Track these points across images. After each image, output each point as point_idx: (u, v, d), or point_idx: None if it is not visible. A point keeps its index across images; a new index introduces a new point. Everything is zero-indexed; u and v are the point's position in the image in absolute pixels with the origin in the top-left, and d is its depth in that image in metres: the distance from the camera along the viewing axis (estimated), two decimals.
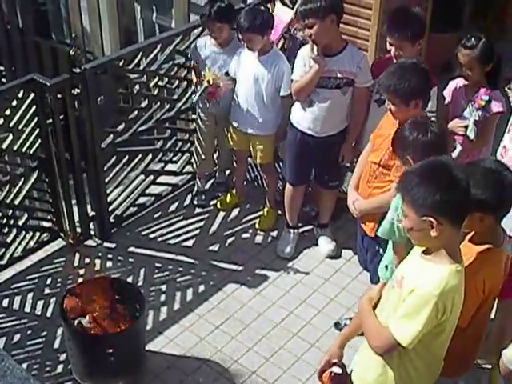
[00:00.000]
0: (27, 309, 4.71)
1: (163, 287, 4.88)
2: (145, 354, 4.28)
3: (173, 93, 5.42)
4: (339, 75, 4.49)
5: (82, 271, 4.94)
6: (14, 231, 4.96)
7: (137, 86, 5.15)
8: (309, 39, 4.43)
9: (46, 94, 4.60)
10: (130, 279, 4.88)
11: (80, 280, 4.66)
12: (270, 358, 4.38)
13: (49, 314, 4.67)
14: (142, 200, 5.56)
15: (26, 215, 4.99)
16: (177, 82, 5.41)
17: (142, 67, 5.09)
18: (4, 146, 4.62)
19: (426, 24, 4.88)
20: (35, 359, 4.36)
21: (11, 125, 4.60)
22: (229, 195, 5.61)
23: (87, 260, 5.09)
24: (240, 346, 4.46)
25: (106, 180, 5.19)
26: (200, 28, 5.28)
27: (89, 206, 5.21)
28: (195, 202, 5.65)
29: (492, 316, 3.37)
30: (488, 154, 4.44)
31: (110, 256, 5.13)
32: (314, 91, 4.55)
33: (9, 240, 4.95)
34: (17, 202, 4.83)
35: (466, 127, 4.27)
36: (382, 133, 3.95)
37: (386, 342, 2.77)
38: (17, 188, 4.81)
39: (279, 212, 5.40)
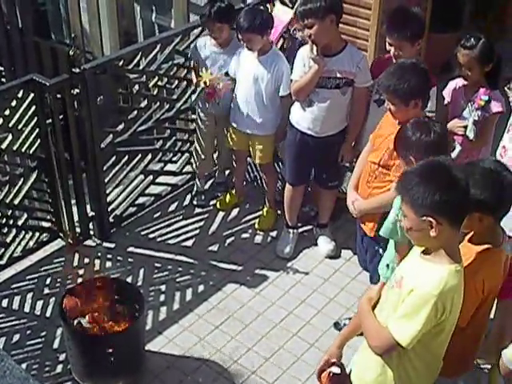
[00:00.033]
0: (27, 309, 4.71)
1: (163, 287, 4.88)
2: (144, 354, 4.28)
3: (172, 93, 5.42)
4: (339, 75, 4.49)
5: (81, 271, 4.93)
6: (14, 231, 4.96)
7: (136, 86, 5.16)
8: (308, 39, 4.43)
9: (46, 94, 4.60)
10: (129, 279, 4.88)
11: (79, 280, 4.65)
12: (269, 358, 4.38)
13: (48, 314, 4.67)
14: (141, 200, 5.56)
15: (25, 215, 4.99)
16: (176, 81, 5.41)
17: (141, 67, 5.09)
18: (3, 146, 4.62)
19: (425, 24, 4.88)
20: (35, 359, 4.36)
21: (11, 125, 4.60)
22: (228, 195, 5.61)
23: (87, 260, 5.09)
24: (239, 346, 4.46)
25: (106, 180, 5.19)
26: (199, 28, 5.28)
27: (88, 206, 5.21)
28: (195, 202, 5.65)
29: (491, 316, 3.37)
30: (487, 154, 4.44)
31: (109, 256, 5.13)
32: (313, 91, 4.55)
33: (8, 240, 4.95)
34: (16, 201, 4.83)
35: (466, 127, 4.27)
36: (381, 133, 3.95)
37: (385, 342, 2.77)
38: (16, 188, 4.81)
39: (279, 212, 5.40)
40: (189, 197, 5.71)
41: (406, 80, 3.68)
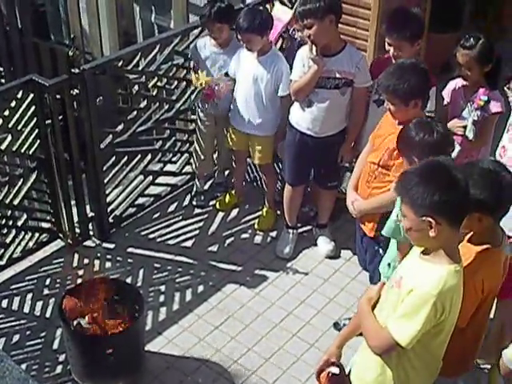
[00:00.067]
0: (26, 309, 4.71)
1: (162, 288, 4.88)
2: (144, 355, 4.28)
3: (172, 93, 5.41)
4: (338, 75, 4.49)
5: (81, 272, 4.93)
6: (13, 232, 4.96)
7: (136, 87, 5.15)
8: (308, 39, 4.43)
9: (45, 95, 4.60)
10: (129, 280, 4.88)
11: (79, 280, 4.65)
12: (269, 358, 4.38)
13: (48, 315, 4.67)
14: (141, 200, 5.56)
15: (25, 216, 4.99)
16: (176, 82, 5.41)
17: (140, 68, 5.08)
18: (3, 146, 4.61)
19: (424, 24, 4.88)
20: (34, 360, 4.36)
21: (10, 125, 4.60)
22: (228, 195, 5.61)
23: (86, 261, 5.09)
24: (239, 346, 4.46)
25: (105, 180, 5.18)
26: (199, 28, 5.28)
27: (88, 207, 5.21)
28: (194, 203, 5.65)
29: (491, 316, 3.37)
30: (487, 155, 4.44)
31: (109, 256, 5.13)
32: (312, 91, 4.55)
33: (8, 241, 4.95)
34: (16, 202, 4.83)
35: (465, 127, 4.27)
36: (381, 133, 3.95)
37: (384, 342, 2.77)
38: (16, 188, 4.80)
39: (278, 212, 5.40)
40: (188, 197, 5.71)
41: (405, 80, 3.68)
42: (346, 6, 4.84)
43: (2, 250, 4.95)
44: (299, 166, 4.90)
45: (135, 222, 5.47)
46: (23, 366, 4.26)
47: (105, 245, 5.22)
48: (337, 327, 4.52)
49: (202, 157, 5.51)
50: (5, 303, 4.75)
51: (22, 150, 4.72)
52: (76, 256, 5.12)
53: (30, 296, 4.81)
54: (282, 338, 4.51)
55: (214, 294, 4.83)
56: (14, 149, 4.67)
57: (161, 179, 5.66)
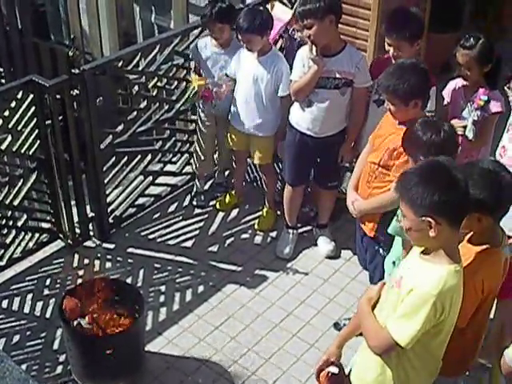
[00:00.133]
0: (26, 310, 4.71)
1: (162, 288, 4.88)
2: (144, 355, 4.28)
3: (172, 93, 5.42)
4: (338, 75, 4.49)
5: (81, 272, 4.93)
6: (13, 232, 4.96)
7: (136, 87, 5.16)
8: (308, 40, 4.44)
9: (45, 95, 4.60)
10: (129, 280, 4.88)
11: (79, 281, 4.65)
12: (269, 358, 4.38)
13: (48, 315, 4.67)
14: (141, 201, 5.56)
15: (25, 216, 4.99)
16: (176, 82, 5.41)
17: (140, 68, 5.09)
18: (3, 147, 4.61)
19: (424, 24, 4.88)
20: (34, 360, 4.36)
21: (10, 126, 4.60)
22: (228, 196, 5.61)
23: (86, 261, 5.09)
24: (239, 346, 4.46)
25: (105, 181, 5.19)
26: (199, 29, 5.29)
27: (88, 207, 5.21)
28: (194, 203, 5.65)
29: (491, 316, 3.37)
30: (487, 155, 4.44)
31: (109, 257, 5.13)
32: (312, 92, 4.55)
33: (8, 241, 4.95)
34: (16, 202, 4.83)
35: (465, 127, 4.27)
36: (381, 133, 3.95)
37: (384, 342, 2.77)
38: (16, 189, 4.80)
39: (278, 212, 5.40)
40: (188, 197, 5.71)
41: (405, 80, 3.68)
42: (345, 6, 4.85)
43: (2, 251, 4.95)
44: (299, 166, 4.90)
45: (135, 222, 5.47)
46: (23, 367, 4.25)
47: (105, 245, 5.23)
48: (337, 327, 4.52)
49: (203, 157, 5.52)
50: (5, 303, 4.75)
51: (22, 151, 4.72)
52: (76, 256, 5.12)
53: (30, 296, 4.81)
54: (282, 339, 4.51)
55: (214, 294, 4.83)
56: (14, 149, 4.67)
57: (161, 179, 5.66)
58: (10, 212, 4.91)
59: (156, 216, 5.53)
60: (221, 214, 5.55)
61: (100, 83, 4.92)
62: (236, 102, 5.07)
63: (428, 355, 2.86)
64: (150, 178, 5.56)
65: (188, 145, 5.73)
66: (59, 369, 4.32)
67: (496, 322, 3.56)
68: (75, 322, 4.01)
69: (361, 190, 4.06)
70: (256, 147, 5.15)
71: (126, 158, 5.29)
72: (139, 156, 5.39)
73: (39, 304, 4.75)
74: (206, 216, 5.54)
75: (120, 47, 8.02)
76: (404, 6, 4.63)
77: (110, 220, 5.32)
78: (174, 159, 5.76)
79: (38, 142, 4.75)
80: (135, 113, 5.24)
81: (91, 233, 5.28)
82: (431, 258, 2.73)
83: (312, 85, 4.51)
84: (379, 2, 5.16)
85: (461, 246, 2.87)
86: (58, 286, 4.88)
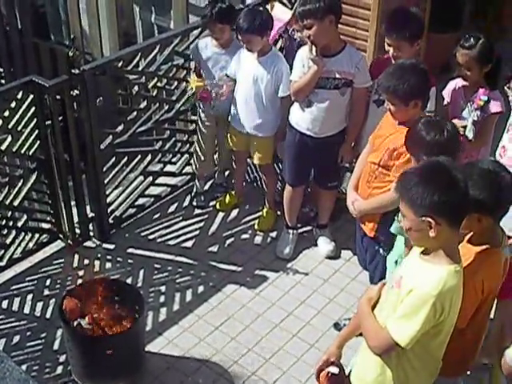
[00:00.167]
0: (26, 310, 4.71)
1: (162, 288, 4.88)
2: (144, 355, 4.28)
3: (172, 94, 5.42)
4: (338, 76, 4.49)
5: (81, 272, 4.93)
6: (14, 232, 4.96)
7: (136, 87, 5.16)
8: (307, 40, 4.44)
9: (45, 96, 4.60)
10: (129, 280, 4.88)
11: (79, 281, 4.65)
12: (269, 358, 4.38)
13: (48, 316, 4.67)
14: (141, 201, 5.56)
15: (25, 216, 4.99)
16: (176, 82, 5.41)
17: (140, 68, 5.09)
18: (3, 147, 4.61)
19: (424, 24, 4.88)
20: (35, 360, 4.36)
21: (10, 126, 4.60)
22: (228, 196, 5.61)
23: (86, 261, 5.09)
24: (239, 346, 4.46)
25: (105, 181, 5.19)
26: (199, 29, 5.29)
27: (88, 207, 5.21)
28: (194, 203, 5.65)
29: (491, 316, 3.37)
30: (487, 155, 4.44)
31: (109, 257, 5.13)
32: (312, 92, 4.55)
33: (8, 241, 4.95)
34: (16, 203, 4.83)
35: (465, 127, 4.27)
36: (381, 133, 3.95)
37: (383, 343, 2.77)
38: (16, 189, 4.81)
39: (278, 213, 5.40)
40: (188, 198, 5.71)
41: (405, 80, 3.68)
42: (345, 7, 4.85)
43: (3, 251, 4.95)
44: (299, 166, 4.90)
45: (135, 222, 5.47)
46: (24, 367, 4.25)
47: (105, 245, 5.23)
48: (337, 327, 4.52)
49: (203, 158, 5.52)
50: (5, 304, 4.75)
51: (22, 151, 4.72)
52: (76, 257, 5.12)
53: (30, 297, 4.81)
54: (282, 339, 4.51)
55: (214, 294, 4.83)
56: (14, 149, 4.67)
57: (161, 180, 5.66)
58: (10, 212, 4.91)
59: (156, 216, 5.53)
60: (221, 215, 5.55)
61: (100, 83, 4.92)
62: (236, 103, 5.07)
63: (428, 355, 2.86)
64: (150, 178, 5.56)
65: (188, 145, 5.74)
66: (59, 369, 4.32)
67: (496, 323, 3.56)
68: (75, 323, 4.01)
69: (361, 190, 4.06)
70: (256, 147, 5.15)
71: (126, 159, 5.30)
72: (139, 156, 5.39)
73: (39, 304, 4.75)
74: (206, 216, 5.54)
75: (120, 47, 8.03)
76: (404, 6, 4.63)
77: (110, 220, 5.32)
78: (173, 159, 5.76)
79: (38, 142, 4.75)
80: (135, 113, 5.24)
81: (91, 233, 5.28)
82: (431, 258, 2.73)
83: (312, 85, 4.51)
84: (379, 2, 5.16)
85: (461, 247, 2.87)
86: (58, 286, 4.88)
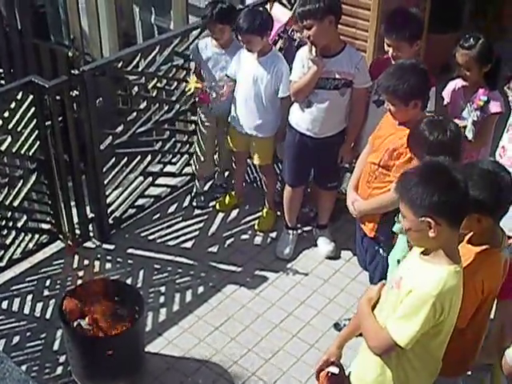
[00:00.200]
0: (26, 311, 4.71)
1: (162, 289, 4.88)
2: (144, 356, 4.28)
3: (171, 94, 5.42)
4: (337, 76, 4.49)
5: (81, 273, 4.94)
6: (13, 233, 4.96)
7: (135, 88, 5.16)
8: (307, 40, 4.44)
9: (45, 96, 4.60)
10: (129, 281, 4.88)
11: (79, 282, 4.65)
12: (269, 359, 4.38)
13: (48, 316, 4.67)
14: (140, 201, 5.56)
15: (24, 217, 4.98)
16: (175, 83, 5.41)
17: (140, 69, 5.09)
18: (3, 147, 4.61)
19: (423, 25, 4.88)
20: (34, 361, 4.36)
21: (10, 127, 4.60)
22: (228, 196, 5.61)
23: (86, 262, 5.09)
24: (239, 347, 4.46)
25: (105, 182, 5.18)
26: (198, 29, 5.29)
27: (88, 208, 5.21)
28: (194, 204, 5.65)
29: (491, 316, 3.37)
30: (486, 155, 4.44)
31: (109, 258, 5.13)
32: (312, 92, 4.55)
33: (8, 242, 4.95)
34: (16, 203, 4.83)
35: (465, 128, 4.27)
36: (381, 133, 3.95)
37: (383, 343, 2.77)
38: (16, 190, 4.80)
39: (278, 213, 5.40)
40: (188, 198, 5.71)
41: (405, 80, 3.68)
42: (345, 7, 4.84)
43: (2, 252, 4.94)
44: (299, 166, 4.90)
45: (135, 223, 5.47)
46: (23, 368, 4.26)
47: (105, 246, 5.23)
48: (337, 328, 4.52)
49: (203, 158, 5.52)
50: (5, 304, 4.74)
51: (22, 152, 4.72)
52: (76, 257, 5.12)
53: (30, 297, 4.81)
54: (282, 339, 4.51)
55: (214, 294, 4.83)
56: (13, 150, 4.67)
57: (161, 180, 5.66)
58: (9, 213, 4.91)
59: (156, 217, 5.53)
60: (221, 215, 5.55)
61: (100, 84, 4.92)
62: (236, 103, 5.07)
63: (428, 356, 2.86)
64: (150, 178, 5.56)
65: (188, 145, 5.74)
66: (59, 370, 4.32)
67: (496, 323, 3.56)
68: (75, 323, 4.01)
69: (361, 190, 4.06)
70: (256, 148, 5.15)
71: (125, 159, 5.30)
72: (139, 157, 5.39)
73: (39, 305, 4.75)
74: (206, 217, 5.54)
75: (120, 48, 8.03)
76: (403, 7, 4.63)
77: (110, 221, 5.32)
78: (173, 160, 5.76)
79: (38, 142, 4.75)
80: (135, 114, 5.24)
81: (91, 233, 5.28)
82: (431, 258, 2.73)
83: (312, 85, 4.51)
84: (379, 3, 5.16)
85: (460, 247, 2.87)
86: (57, 286, 4.88)
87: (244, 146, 5.24)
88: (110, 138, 5.11)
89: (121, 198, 5.43)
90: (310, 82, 4.50)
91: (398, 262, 3.59)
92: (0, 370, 2.47)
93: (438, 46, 6.04)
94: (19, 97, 4.58)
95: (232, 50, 5.05)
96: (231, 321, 4.64)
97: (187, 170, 5.79)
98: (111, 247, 5.22)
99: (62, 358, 4.34)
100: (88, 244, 5.24)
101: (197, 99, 5.20)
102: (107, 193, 5.29)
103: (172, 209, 5.63)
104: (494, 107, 4.24)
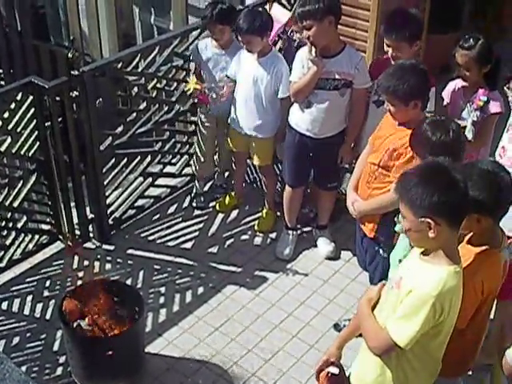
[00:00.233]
0: (26, 311, 4.71)
1: (162, 289, 4.88)
2: (144, 356, 4.28)
3: (171, 95, 5.41)
4: (337, 76, 4.49)
5: (80, 273, 4.93)
6: (13, 234, 4.96)
7: (135, 88, 5.16)
8: (307, 41, 4.44)
9: (45, 97, 4.60)
10: (129, 281, 4.87)
11: (79, 282, 4.65)
12: (269, 359, 4.38)
13: (48, 317, 4.66)
14: (140, 202, 5.56)
15: (24, 218, 4.98)
16: (175, 84, 5.41)
17: (140, 69, 5.09)
18: (3, 148, 4.61)
19: (423, 25, 4.88)
20: (34, 362, 4.36)
21: (10, 127, 4.60)
22: (228, 197, 5.61)
23: (86, 262, 5.09)
24: (239, 347, 4.46)
25: (105, 182, 5.19)
26: (198, 30, 5.29)
27: (88, 209, 5.21)
28: (194, 204, 5.65)
29: (491, 317, 3.37)
30: (486, 155, 4.43)
31: (108, 258, 5.13)
32: (312, 93, 4.55)
33: (8, 242, 4.95)
34: (16, 204, 4.83)
35: (464, 128, 4.27)
36: (381, 134, 3.95)
37: (383, 343, 2.77)
38: (16, 190, 4.80)
39: (278, 213, 5.40)
40: (188, 199, 5.71)
41: (405, 81, 3.68)
42: (345, 8, 4.85)
43: (2, 252, 4.94)
44: (299, 167, 4.90)
45: (135, 223, 5.47)
46: (23, 368, 4.25)
47: (105, 246, 5.23)
48: (337, 328, 4.52)
49: (203, 159, 5.52)
50: (5, 305, 4.74)
51: (22, 152, 4.72)
52: (76, 258, 5.12)
53: (30, 298, 4.81)
54: (282, 340, 4.51)
55: (213, 295, 4.83)
56: (13, 151, 4.67)
57: (160, 181, 5.66)
58: (9, 214, 4.91)
59: (156, 217, 5.53)
60: (220, 216, 5.55)
61: (99, 85, 4.92)
62: (236, 104, 5.07)
63: (427, 356, 2.85)
64: (150, 179, 5.56)
65: (188, 146, 5.74)
66: (59, 370, 4.32)
67: (496, 323, 3.56)
68: (75, 324, 4.00)
69: (361, 190, 4.06)
70: (256, 148, 5.15)
71: (125, 160, 5.30)
72: (139, 157, 5.39)
73: (39, 305, 4.75)
74: (206, 217, 5.54)
75: (119, 49, 8.03)
76: (403, 7, 4.63)
77: (110, 221, 5.32)
78: (173, 160, 5.76)
79: (38, 143, 4.75)
80: (135, 114, 5.24)
81: (91, 234, 5.28)
82: (431, 258, 2.73)
83: (311, 86, 4.51)
84: (378, 3, 5.17)
85: (460, 247, 2.87)
86: (57, 287, 4.88)
87: (244, 147, 5.24)
88: (110, 138, 5.10)
89: (121, 198, 5.43)
90: (309, 83, 4.50)
91: (400, 261, 3.60)
92: (0, 371, 2.47)
93: (437, 46, 6.04)
94: (19, 97, 4.58)
95: (232, 51, 5.05)
96: (231, 321, 4.64)
97: (187, 170, 5.79)
98: (111, 248, 5.22)
99: (62, 359, 4.34)
100: (88, 244, 5.24)
101: (196, 100, 5.21)
102: (107, 193, 5.29)
103: (172, 209, 5.63)
104: (494, 107, 4.24)
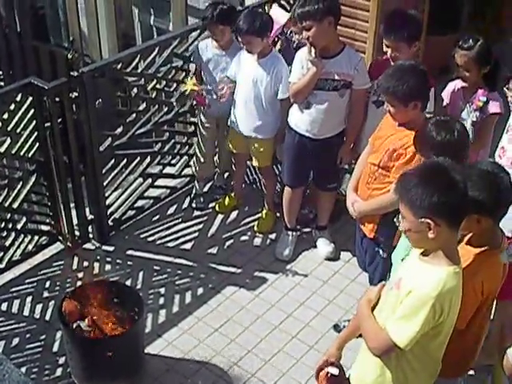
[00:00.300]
0: (26, 312, 4.71)
1: (162, 290, 4.88)
2: (144, 357, 4.28)
3: (171, 95, 5.41)
4: (337, 77, 4.49)
5: (80, 274, 4.93)
6: (13, 235, 4.96)
7: (135, 89, 5.16)
8: (306, 41, 4.44)
9: (44, 98, 4.60)
10: (128, 282, 4.87)
11: (79, 283, 4.65)
12: (269, 360, 4.38)
13: (48, 318, 4.66)
14: (140, 203, 5.56)
15: (24, 219, 4.98)
16: (175, 84, 5.41)
17: (139, 70, 5.09)
18: (2, 149, 4.61)
19: (422, 26, 4.88)
20: (34, 363, 4.35)
21: (9, 128, 4.60)
22: (227, 198, 5.61)
23: (86, 263, 5.09)
24: (239, 348, 4.45)
25: (105, 183, 5.18)
26: (198, 31, 5.29)
27: (87, 209, 5.21)
28: (194, 205, 5.65)
29: (491, 317, 3.37)
30: (486, 156, 4.44)
31: (108, 259, 5.12)
32: (311, 93, 4.55)
33: (7, 244, 4.95)
34: (15, 205, 4.83)
35: None
36: (381, 134, 3.95)
37: (382, 344, 2.77)
38: (15, 191, 4.80)
39: (278, 214, 5.40)
40: (188, 199, 5.71)
41: (405, 81, 3.68)
42: (344, 8, 4.85)
43: (2, 253, 4.94)
44: (298, 167, 4.90)
45: (135, 224, 5.47)
46: (23, 369, 4.25)
47: (104, 247, 5.22)
48: (336, 329, 4.52)
49: (203, 160, 5.52)
50: (4, 306, 4.74)
51: (21, 153, 4.72)
52: (75, 259, 5.12)
53: (29, 299, 4.80)
54: (282, 340, 4.50)
55: (213, 296, 4.83)
56: (13, 152, 4.67)
57: (160, 181, 5.66)
58: (9, 214, 4.90)
59: (155, 218, 5.53)
60: (220, 216, 5.55)
61: (99, 85, 4.92)
62: (236, 105, 5.07)
63: (427, 357, 2.85)
64: (150, 180, 5.56)
65: (187, 147, 5.74)
66: (59, 371, 4.32)
67: (496, 323, 3.56)
68: (75, 325, 4.00)
69: (360, 191, 4.06)
70: (256, 150, 5.15)
71: (125, 161, 5.30)
72: (138, 158, 5.39)
73: (39, 306, 4.74)
74: (206, 218, 5.54)
75: (119, 49, 8.04)
76: (402, 8, 4.63)
77: (110, 222, 5.32)
78: (173, 161, 5.75)
79: (37, 144, 4.75)
80: (134, 115, 5.24)
81: (90, 235, 5.27)
82: (430, 259, 2.73)
83: (311, 86, 4.51)
84: (378, 4, 5.17)
85: (460, 248, 2.87)
86: (57, 288, 4.88)
87: (244, 148, 5.24)
88: (110, 139, 5.10)
89: (120, 199, 5.43)
90: (309, 83, 4.50)
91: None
92: None
93: (437, 47, 6.04)
94: (18, 98, 4.58)
95: (232, 52, 5.05)
96: (231, 322, 4.64)
97: (187, 171, 5.79)
98: (111, 249, 5.22)
99: (62, 360, 4.34)
100: (87, 245, 5.24)
101: (193, 101, 5.21)
102: (107, 194, 5.28)
103: (171, 210, 5.63)
104: (494, 108, 4.24)
